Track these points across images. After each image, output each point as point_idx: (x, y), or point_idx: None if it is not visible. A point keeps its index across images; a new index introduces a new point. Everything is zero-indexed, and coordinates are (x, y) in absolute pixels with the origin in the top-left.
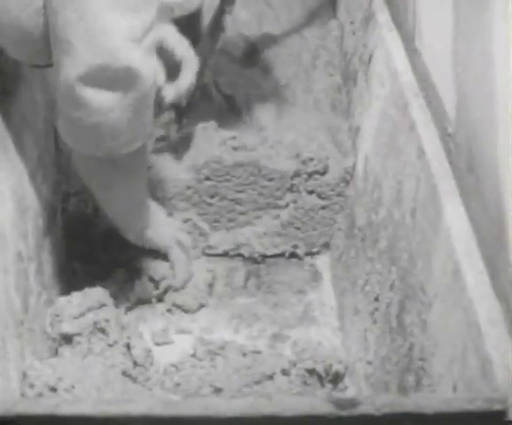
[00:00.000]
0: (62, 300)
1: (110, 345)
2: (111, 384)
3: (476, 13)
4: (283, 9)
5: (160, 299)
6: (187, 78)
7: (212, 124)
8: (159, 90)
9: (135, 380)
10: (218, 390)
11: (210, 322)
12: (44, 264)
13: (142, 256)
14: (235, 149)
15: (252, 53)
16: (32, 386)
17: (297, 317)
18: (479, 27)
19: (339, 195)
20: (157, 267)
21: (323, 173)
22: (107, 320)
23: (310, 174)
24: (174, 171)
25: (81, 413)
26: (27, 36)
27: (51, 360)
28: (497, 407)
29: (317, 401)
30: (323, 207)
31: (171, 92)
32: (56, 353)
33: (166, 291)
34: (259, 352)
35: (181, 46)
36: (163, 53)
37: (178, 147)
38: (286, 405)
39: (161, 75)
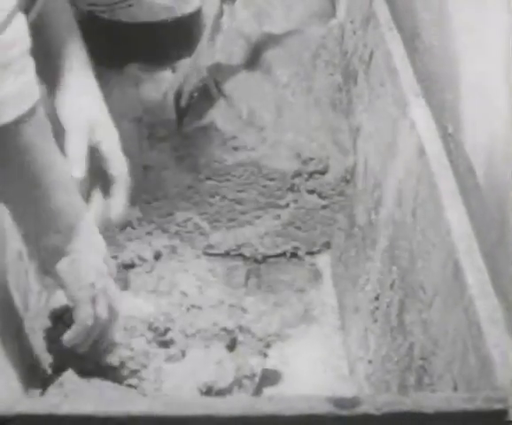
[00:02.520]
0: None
1: None
2: None
3: (475, 13)
4: (283, 9)
5: None
6: (119, 198)
7: (212, 124)
8: None
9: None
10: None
11: None
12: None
13: None
14: (235, 149)
15: (252, 53)
16: None
17: (297, 316)
18: (479, 27)
19: (340, 194)
20: None
21: (324, 172)
22: None
23: (310, 174)
24: (174, 171)
25: (81, 412)
26: None
27: None
28: (497, 407)
29: (317, 400)
30: (324, 207)
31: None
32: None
33: None
34: None
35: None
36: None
37: (178, 147)
38: (286, 405)
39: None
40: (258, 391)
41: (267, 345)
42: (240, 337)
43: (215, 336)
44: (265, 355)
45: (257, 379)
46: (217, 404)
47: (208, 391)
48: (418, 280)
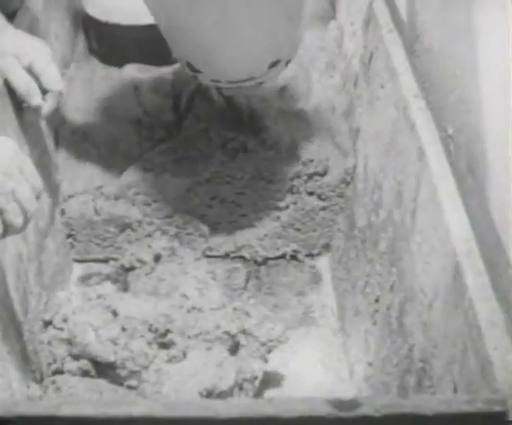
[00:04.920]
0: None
1: None
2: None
3: (475, 14)
4: None
5: None
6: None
7: (212, 125)
8: None
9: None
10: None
11: None
12: (44, 265)
13: None
14: (235, 150)
15: None
16: None
17: (297, 318)
18: (479, 28)
19: (339, 196)
20: None
21: (323, 174)
22: None
23: (310, 176)
24: (174, 173)
25: (82, 413)
26: None
27: None
28: (497, 408)
29: (317, 402)
30: (323, 208)
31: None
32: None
33: None
34: None
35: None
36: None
37: (178, 148)
38: (286, 406)
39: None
40: (258, 394)
41: (269, 351)
42: (243, 341)
43: (218, 339)
44: (266, 360)
45: (257, 382)
46: (217, 406)
47: (209, 394)
48: (418, 282)
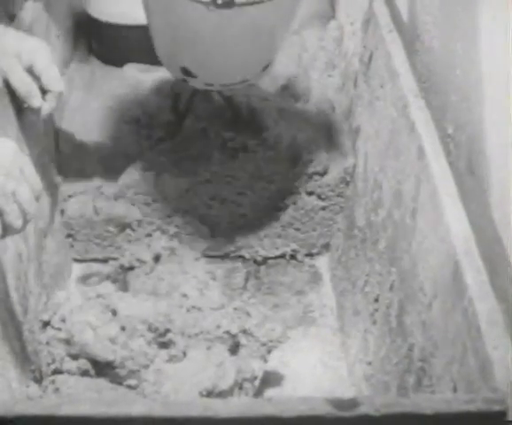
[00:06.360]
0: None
1: None
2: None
3: (476, 13)
4: None
5: None
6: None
7: (211, 125)
8: None
9: None
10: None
11: None
12: (44, 265)
13: None
14: (235, 150)
15: None
16: None
17: (297, 318)
18: (478, 28)
19: (339, 195)
20: None
21: (323, 173)
22: None
23: (310, 175)
24: (174, 172)
25: (81, 413)
26: None
27: None
28: (496, 408)
29: (317, 401)
30: (323, 208)
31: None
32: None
33: None
34: None
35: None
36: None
37: (178, 148)
38: (285, 407)
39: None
40: (258, 394)
41: (269, 351)
42: (243, 341)
43: (218, 339)
44: (266, 360)
45: (257, 382)
46: (216, 405)
47: (209, 393)
48: (418, 281)
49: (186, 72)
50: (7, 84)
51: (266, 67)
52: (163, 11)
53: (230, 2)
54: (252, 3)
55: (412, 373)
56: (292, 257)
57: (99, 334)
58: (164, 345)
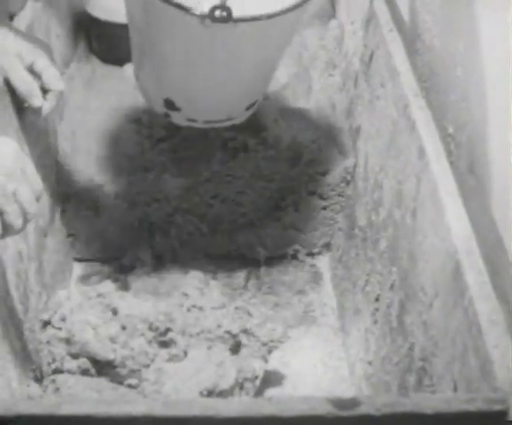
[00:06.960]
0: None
1: None
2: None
3: (477, 12)
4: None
5: None
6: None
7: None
8: None
9: None
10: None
11: None
12: (44, 264)
13: None
14: (235, 150)
15: None
16: None
17: (297, 317)
18: (479, 27)
19: (340, 195)
20: None
21: (324, 173)
22: None
23: (311, 175)
24: (174, 173)
25: (82, 412)
26: None
27: None
28: (497, 408)
29: (317, 401)
30: (324, 208)
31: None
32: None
33: None
34: None
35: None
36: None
37: (179, 148)
38: (286, 406)
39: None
40: (259, 393)
41: (270, 351)
42: (244, 340)
43: (219, 338)
44: (266, 360)
45: (258, 381)
46: (217, 405)
47: (209, 393)
48: (418, 281)
49: (169, 104)
50: (7, 83)
51: (253, 105)
52: (151, 30)
53: (228, 15)
54: (249, 20)
55: (412, 372)
56: (293, 256)
57: (100, 333)
58: (164, 345)
